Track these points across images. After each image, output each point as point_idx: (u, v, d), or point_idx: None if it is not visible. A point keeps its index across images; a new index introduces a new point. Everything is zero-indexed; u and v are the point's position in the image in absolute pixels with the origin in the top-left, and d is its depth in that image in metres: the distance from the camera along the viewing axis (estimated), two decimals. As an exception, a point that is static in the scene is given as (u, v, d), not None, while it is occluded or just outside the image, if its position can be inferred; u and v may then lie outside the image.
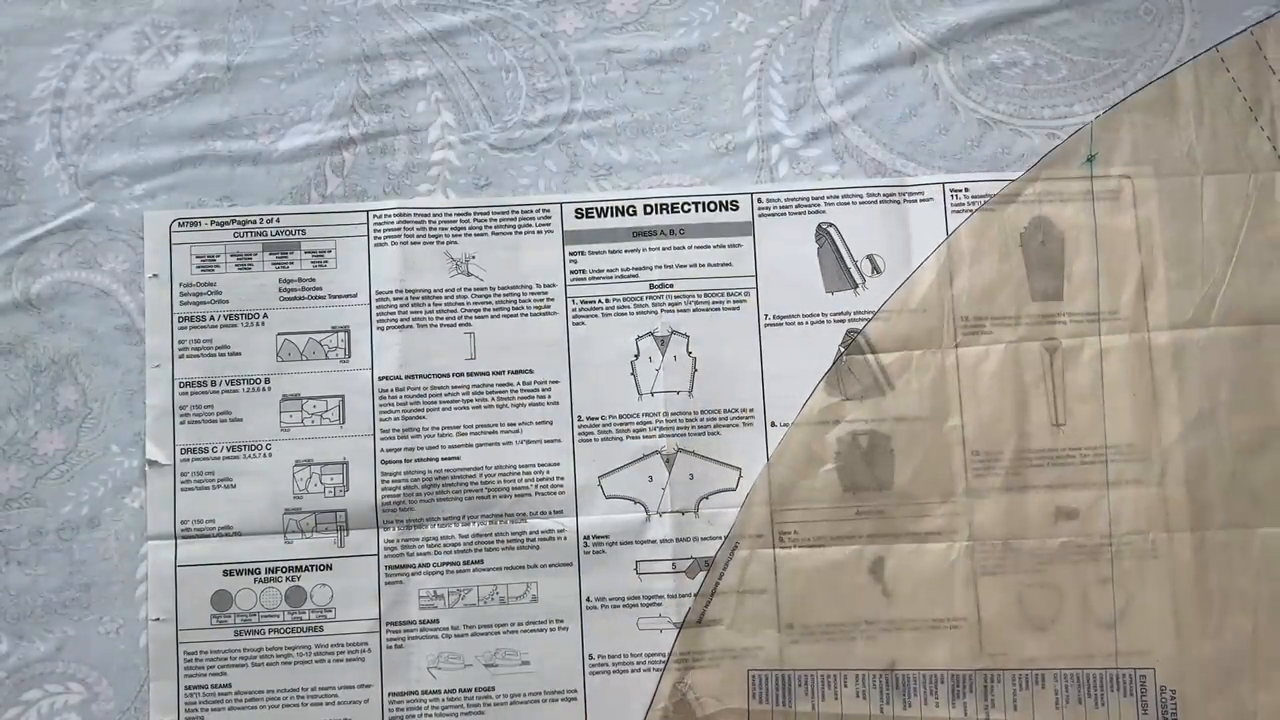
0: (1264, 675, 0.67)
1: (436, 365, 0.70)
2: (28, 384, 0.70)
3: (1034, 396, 0.70)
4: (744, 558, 0.69)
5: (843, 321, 0.71)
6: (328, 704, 0.68)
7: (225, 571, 0.69)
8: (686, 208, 0.72)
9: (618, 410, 0.70)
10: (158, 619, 0.68)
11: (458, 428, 0.70)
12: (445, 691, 0.68)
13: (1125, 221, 0.71)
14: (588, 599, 0.69)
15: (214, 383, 0.70)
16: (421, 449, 0.70)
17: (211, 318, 0.71)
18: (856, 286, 0.71)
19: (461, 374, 0.70)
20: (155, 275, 0.71)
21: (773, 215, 0.72)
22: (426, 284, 0.71)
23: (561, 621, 0.69)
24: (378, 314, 0.71)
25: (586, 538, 0.69)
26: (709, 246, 0.72)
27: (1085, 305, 0.70)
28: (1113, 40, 0.73)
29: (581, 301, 0.71)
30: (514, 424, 0.70)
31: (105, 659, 0.68)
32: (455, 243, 0.72)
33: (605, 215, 0.72)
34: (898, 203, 0.72)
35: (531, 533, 0.69)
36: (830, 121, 0.73)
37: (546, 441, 0.70)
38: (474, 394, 0.70)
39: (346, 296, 0.71)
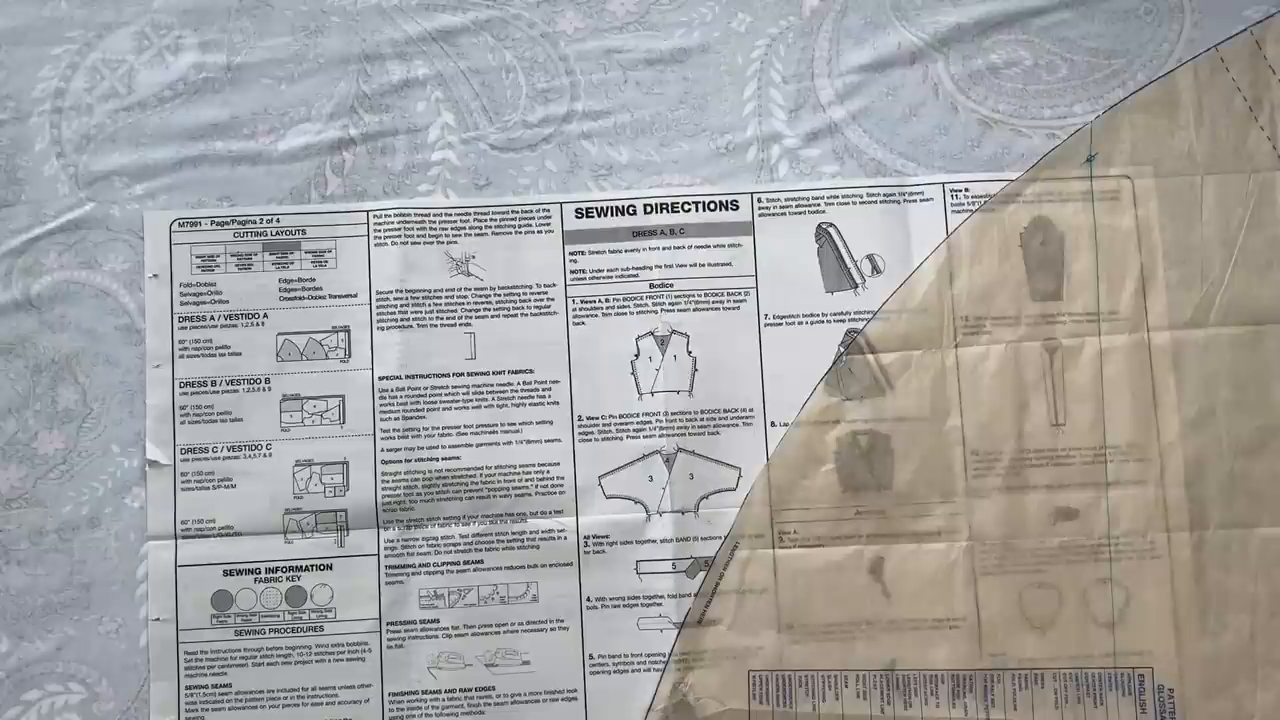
0: (1262, 675, 0.68)
1: (436, 365, 0.70)
2: (28, 384, 0.70)
3: (1034, 396, 0.70)
4: (744, 558, 0.69)
5: (843, 321, 0.71)
6: (328, 704, 0.68)
7: (225, 571, 0.69)
8: (686, 208, 0.72)
9: (618, 410, 0.70)
10: (158, 619, 0.68)
11: (458, 428, 0.70)
12: (445, 691, 0.68)
13: (1125, 221, 0.71)
14: (588, 599, 0.69)
15: (214, 383, 0.70)
16: (421, 449, 0.70)
17: (211, 318, 0.71)
18: (856, 286, 0.71)
19: (462, 374, 0.70)
20: (155, 275, 0.71)
21: (773, 215, 0.72)
22: (426, 284, 0.71)
23: (562, 621, 0.69)
24: (378, 314, 0.71)
25: (586, 537, 0.69)
26: (709, 246, 0.72)
27: (1085, 305, 0.70)
28: (1113, 40, 0.74)
29: (581, 301, 0.71)
30: (514, 424, 0.70)
31: (105, 659, 0.68)
32: (455, 243, 0.72)
33: (605, 215, 0.72)
34: (898, 203, 0.72)
35: (531, 532, 0.69)
36: (830, 121, 0.73)
37: (546, 441, 0.70)
38: (474, 394, 0.70)
39: (347, 296, 0.71)
